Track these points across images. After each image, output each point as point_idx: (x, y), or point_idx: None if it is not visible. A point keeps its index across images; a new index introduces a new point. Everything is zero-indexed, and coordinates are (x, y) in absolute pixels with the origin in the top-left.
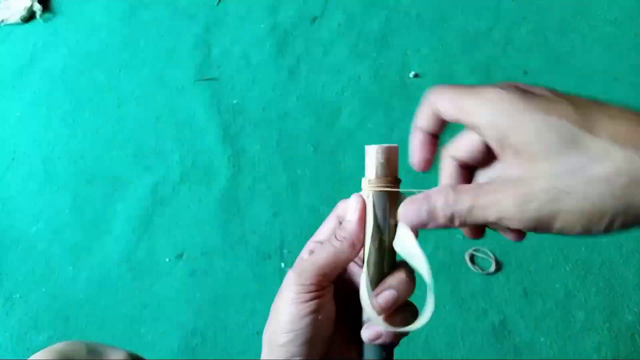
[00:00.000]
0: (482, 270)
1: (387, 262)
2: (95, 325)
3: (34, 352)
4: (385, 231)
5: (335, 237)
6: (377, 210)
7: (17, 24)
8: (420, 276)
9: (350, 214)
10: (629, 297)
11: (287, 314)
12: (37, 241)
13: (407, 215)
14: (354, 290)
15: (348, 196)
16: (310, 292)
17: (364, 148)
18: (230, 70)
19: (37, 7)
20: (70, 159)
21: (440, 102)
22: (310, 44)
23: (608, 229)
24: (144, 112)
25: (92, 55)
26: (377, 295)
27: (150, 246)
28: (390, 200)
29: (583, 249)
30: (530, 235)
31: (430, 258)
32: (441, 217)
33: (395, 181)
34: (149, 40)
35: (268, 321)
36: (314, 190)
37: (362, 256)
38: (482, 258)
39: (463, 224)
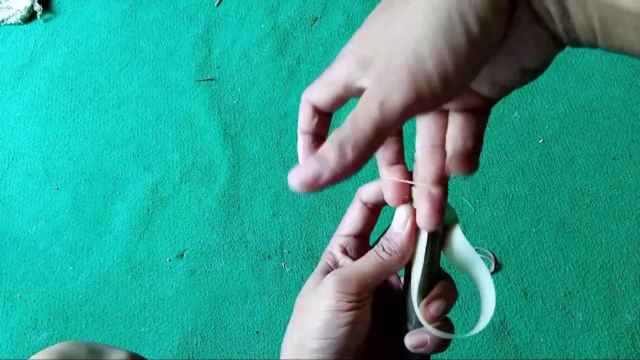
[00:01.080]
0: None
1: (435, 271)
2: (95, 325)
3: (34, 352)
4: (437, 241)
5: (384, 248)
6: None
7: (17, 24)
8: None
9: (399, 226)
10: (629, 297)
11: (323, 319)
12: (37, 241)
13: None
14: (389, 297)
15: (348, 196)
16: (351, 302)
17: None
18: (230, 70)
19: (37, 7)
20: (70, 158)
21: (312, 94)
22: (310, 44)
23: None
24: (144, 112)
25: (92, 55)
26: (427, 304)
27: (150, 246)
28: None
29: (583, 249)
30: (530, 235)
31: None
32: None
33: (446, 187)
34: (149, 40)
35: (296, 322)
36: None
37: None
38: (482, 258)
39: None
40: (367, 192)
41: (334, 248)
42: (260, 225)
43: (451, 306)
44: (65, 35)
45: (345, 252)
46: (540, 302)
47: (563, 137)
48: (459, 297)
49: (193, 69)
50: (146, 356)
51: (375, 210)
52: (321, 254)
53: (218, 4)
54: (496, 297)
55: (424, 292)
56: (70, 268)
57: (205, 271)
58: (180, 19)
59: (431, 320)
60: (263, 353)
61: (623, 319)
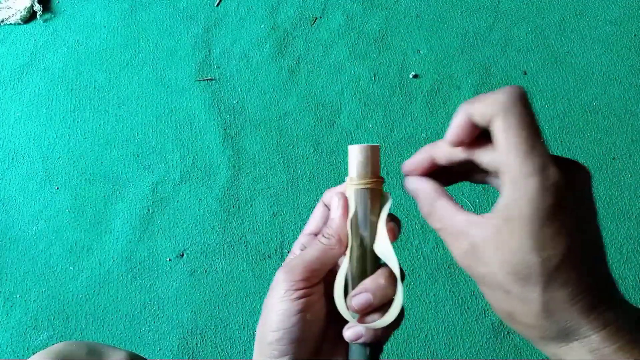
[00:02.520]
0: None
1: (370, 261)
2: (95, 325)
3: (34, 352)
4: (366, 229)
5: (323, 234)
6: (358, 208)
7: (17, 24)
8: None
9: (333, 211)
10: (629, 297)
11: (276, 311)
12: (37, 241)
13: (412, 183)
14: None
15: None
16: (299, 289)
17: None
18: (230, 70)
19: (37, 7)
20: (70, 158)
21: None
22: (310, 44)
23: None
24: (144, 112)
25: (92, 55)
26: (353, 296)
27: (151, 246)
28: (372, 198)
29: None
30: None
31: (430, 257)
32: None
33: (376, 179)
34: (149, 40)
35: (260, 319)
36: (314, 190)
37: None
38: None
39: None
40: (328, 195)
41: (295, 246)
42: (260, 225)
43: (381, 300)
44: (65, 35)
45: (304, 249)
46: None
47: (563, 136)
48: (459, 297)
49: (193, 69)
50: (146, 356)
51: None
52: None
53: (218, 4)
54: (404, 297)
55: (358, 281)
56: (71, 268)
57: (205, 271)
58: (180, 19)
59: (358, 312)
60: None
61: None
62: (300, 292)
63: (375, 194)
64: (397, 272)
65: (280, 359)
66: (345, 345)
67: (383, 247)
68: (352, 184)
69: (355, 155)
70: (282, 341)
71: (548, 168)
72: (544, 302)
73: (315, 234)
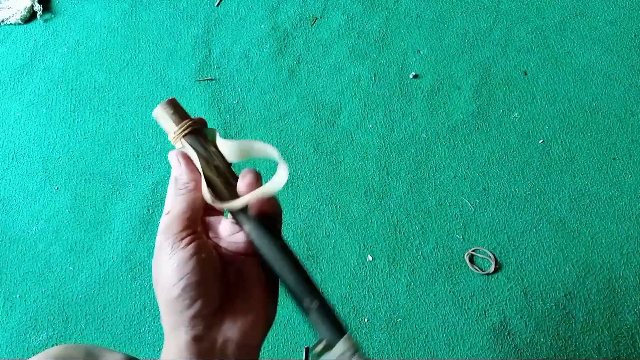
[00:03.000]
0: (482, 270)
1: (232, 178)
2: (95, 325)
3: (34, 353)
4: (213, 158)
5: (179, 188)
6: (197, 148)
7: (17, 24)
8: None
9: (176, 168)
10: (629, 297)
11: (170, 266)
12: (37, 241)
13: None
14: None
15: (348, 196)
16: (184, 238)
17: (364, 148)
18: (230, 70)
19: (37, 7)
20: (70, 158)
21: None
22: (310, 44)
23: None
24: (144, 112)
25: (92, 55)
26: (242, 179)
27: (150, 246)
28: (199, 134)
29: (583, 249)
30: (529, 235)
31: (430, 257)
32: None
33: (191, 120)
34: (149, 40)
35: (156, 286)
36: (314, 190)
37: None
38: (482, 258)
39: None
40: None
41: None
42: None
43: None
44: (65, 35)
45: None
46: (540, 302)
47: (563, 137)
48: (459, 297)
49: (193, 69)
50: (146, 356)
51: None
52: (321, 253)
53: (218, 4)
54: (287, 171)
55: (231, 194)
56: (70, 268)
57: None
58: (180, 19)
59: (247, 189)
60: (262, 352)
61: (623, 319)
62: (186, 239)
63: (200, 131)
64: (270, 146)
65: (194, 306)
66: (252, 276)
67: (236, 146)
68: (178, 135)
69: (164, 112)
70: (187, 288)
71: None
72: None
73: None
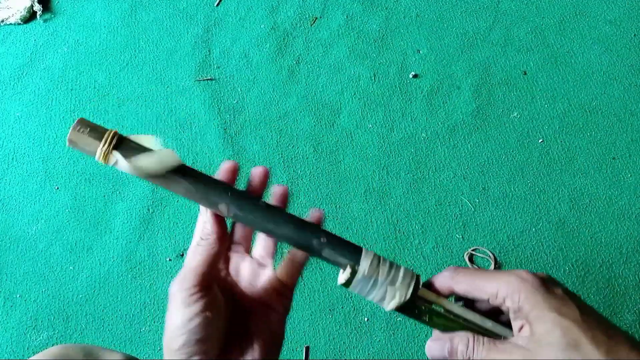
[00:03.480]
0: None
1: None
2: (95, 325)
3: (34, 352)
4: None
5: (200, 237)
6: (130, 157)
7: (17, 24)
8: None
9: (203, 213)
10: (629, 297)
11: (177, 318)
12: (37, 241)
13: (431, 350)
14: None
15: (348, 195)
16: (195, 293)
17: (363, 148)
18: (230, 70)
19: (37, 7)
20: (70, 158)
21: (458, 285)
22: (310, 43)
23: None
24: (144, 112)
25: (92, 55)
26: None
27: (151, 246)
28: (127, 143)
29: (583, 249)
30: (529, 234)
31: (430, 257)
32: (459, 358)
33: (111, 130)
34: (149, 40)
35: (164, 333)
36: (314, 190)
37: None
38: (481, 258)
39: None
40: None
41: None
42: None
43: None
44: (65, 35)
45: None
46: None
47: (563, 136)
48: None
49: (193, 69)
50: (146, 356)
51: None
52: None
53: (218, 4)
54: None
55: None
56: (71, 268)
57: None
58: (180, 19)
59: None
60: None
61: (623, 319)
62: (196, 295)
63: (126, 141)
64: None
65: (190, 359)
66: (254, 342)
67: (151, 160)
68: (106, 150)
69: (78, 136)
70: (188, 343)
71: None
72: None
73: None
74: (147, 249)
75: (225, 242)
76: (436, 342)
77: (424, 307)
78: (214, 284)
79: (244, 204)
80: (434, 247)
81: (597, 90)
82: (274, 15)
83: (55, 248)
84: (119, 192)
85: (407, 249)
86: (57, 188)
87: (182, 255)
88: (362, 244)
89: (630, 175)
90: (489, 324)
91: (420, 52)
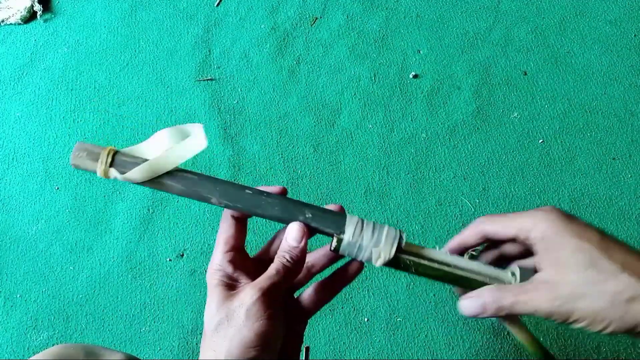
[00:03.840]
0: None
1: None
2: (95, 325)
3: (34, 352)
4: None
5: (289, 259)
6: (127, 168)
7: (17, 24)
8: None
9: (293, 239)
10: None
11: (243, 334)
12: (37, 241)
13: (467, 308)
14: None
15: (348, 195)
16: (265, 312)
17: (363, 148)
18: (230, 70)
19: (37, 7)
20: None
21: (488, 226)
22: (310, 44)
23: (602, 330)
24: (144, 112)
25: (92, 55)
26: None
27: (151, 246)
28: (122, 155)
29: None
30: None
31: None
32: (490, 310)
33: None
34: (149, 40)
35: (214, 347)
36: (314, 190)
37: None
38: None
39: (508, 314)
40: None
41: (223, 264)
42: (261, 225)
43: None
44: (65, 35)
45: (234, 266)
46: None
47: (563, 137)
48: (457, 297)
49: (193, 69)
50: (146, 356)
51: (244, 222)
52: None
53: (218, 4)
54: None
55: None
56: (71, 268)
57: (205, 271)
58: (180, 19)
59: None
60: None
61: None
62: (268, 313)
63: (121, 153)
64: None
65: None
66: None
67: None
68: (105, 166)
69: (79, 158)
70: (258, 357)
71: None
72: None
73: (235, 250)
74: (147, 249)
75: (302, 267)
76: (469, 300)
77: (409, 261)
78: (279, 310)
79: (231, 195)
80: (433, 247)
81: (597, 90)
82: (274, 15)
83: (55, 248)
84: (119, 192)
85: None
86: (57, 188)
87: (182, 255)
88: None
89: (631, 176)
90: (474, 265)
91: (421, 52)
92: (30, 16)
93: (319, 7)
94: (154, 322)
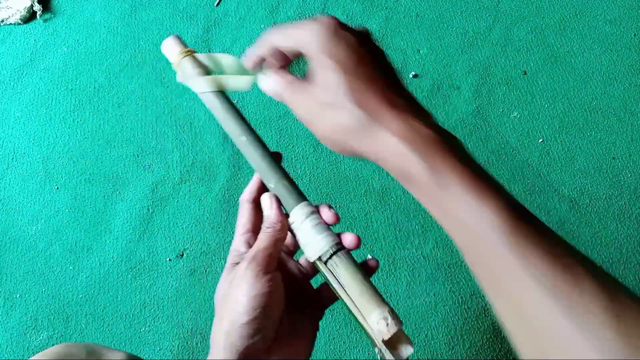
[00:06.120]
0: None
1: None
2: (95, 325)
3: (34, 352)
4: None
5: (266, 225)
6: (195, 66)
7: (17, 24)
8: None
9: (267, 208)
10: None
11: (248, 293)
12: (37, 241)
13: (264, 83)
14: (292, 281)
15: (348, 196)
16: (266, 273)
17: None
18: None
19: (37, 7)
20: (70, 158)
21: (273, 37)
22: None
23: (337, 150)
24: (144, 112)
25: (92, 55)
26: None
27: (150, 246)
28: (195, 59)
29: (583, 248)
30: None
31: (430, 257)
32: (277, 95)
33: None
34: (149, 40)
35: (222, 313)
36: (314, 190)
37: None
38: None
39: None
40: (248, 194)
41: (238, 246)
42: None
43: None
44: (65, 35)
45: (249, 246)
46: None
47: (563, 136)
48: (459, 297)
49: None
50: (146, 356)
51: (258, 205)
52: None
53: (218, 4)
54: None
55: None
56: (70, 268)
57: (205, 271)
58: (180, 19)
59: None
60: None
61: None
62: (268, 276)
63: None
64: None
65: (255, 337)
66: (304, 327)
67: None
68: (182, 55)
69: (169, 44)
70: (256, 319)
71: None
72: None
73: (252, 232)
74: (147, 249)
75: (286, 230)
76: (267, 79)
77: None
78: (277, 271)
79: (256, 143)
80: (434, 247)
81: (597, 90)
82: (274, 15)
83: (55, 248)
84: (119, 192)
85: (407, 249)
86: (57, 188)
87: (182, 255)
88: (362, 244)
89: (630, 176)
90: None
91: (420, 52)
92: (30, 16)
93: (319, 7)
94: (154, 322)
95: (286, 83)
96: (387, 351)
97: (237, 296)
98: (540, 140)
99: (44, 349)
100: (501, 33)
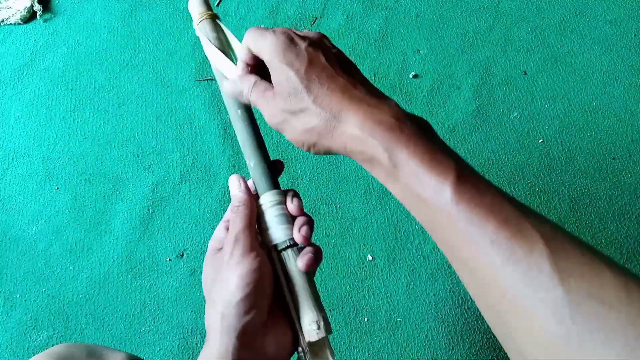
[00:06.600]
0: None
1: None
2: (95, 325)
3: (34, 353)
4: (226, 40)
5: (234, 205)
6: (212, 31)
7: (17, 24)
8: None
9: (235, 187)
10: None
11: (238, 272)
12: (37, 241)
13: (226, 87)
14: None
15: (348, 196)
16: (251, 251)
17: None
18: None
19: (37, 7)
20: (70, 158)
21: (247, 40)
22: None
23: (308, 150)
24: (144, 112)
25: (92, 55)
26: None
27: (151, 246)
28: (216, 24)
29: None
30: None
31: (430, 257)
32: (240, 97)
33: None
34: (149, 40)
35: (214, 296)
36: (314, 190)
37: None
38: None
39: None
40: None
41: (219, 232)
42: None
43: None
44: (65, 35)
45: (228, 229)
46: None
47: (563, 136)
48: (459, 297)
49: (193, 69)
50: (146, 356)
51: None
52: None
53: (218, 4)
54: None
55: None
56: (70, 268)
57: None
58: (180, 19)
59: (305, 241)
60: None
61: None
62: (253, 253)
63: (216, 23)
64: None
65: (249, 314)
66: (287, 324)
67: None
68: (202, 16)
69: (194, 3)
70: (249, 296)
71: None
72: (313, 98)
73: None
74: (147, 249)
75: (254, 210)
76: (230, 83)
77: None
78: (261, 248)
79: (249, 120)
80: (434, 246)
81: (597, 90)
82: (274, 15)
83: (55, 248)
84: (119, 192)
85: (407, 249)
86: (57, 188)
87: (182, 255)
88: (362, 244)
89: (631, 176)
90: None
91: (420, 52)
92: (30, 16)
93: (319, 7)
94: (154, 322)
95: (251, 85)
96: (309, 353)
97: (228, 277)
98: (540, 141)
99: (44, 349)
100: (501, 33)
